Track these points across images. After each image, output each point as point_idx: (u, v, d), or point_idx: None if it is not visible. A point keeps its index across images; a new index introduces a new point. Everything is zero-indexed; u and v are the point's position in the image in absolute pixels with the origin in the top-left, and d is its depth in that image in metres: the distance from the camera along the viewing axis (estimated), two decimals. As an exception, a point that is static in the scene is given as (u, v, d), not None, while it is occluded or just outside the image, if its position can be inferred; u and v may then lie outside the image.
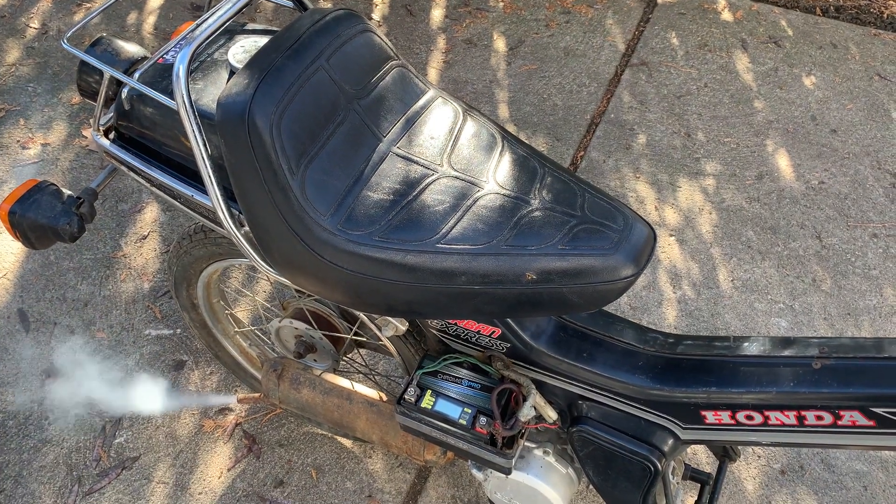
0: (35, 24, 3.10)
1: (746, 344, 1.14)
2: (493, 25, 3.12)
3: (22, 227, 1.25)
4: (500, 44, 3.03)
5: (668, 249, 2.30)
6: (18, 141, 2.61)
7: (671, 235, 2.34)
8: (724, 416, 1.13)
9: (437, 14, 3.18)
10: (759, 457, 1.85)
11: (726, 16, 3.15)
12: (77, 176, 2.51)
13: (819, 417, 1.05)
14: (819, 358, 1.06)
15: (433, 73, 2.90)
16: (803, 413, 1.06)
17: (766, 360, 1.11)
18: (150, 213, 2.40)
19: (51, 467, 1.85)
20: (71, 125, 2.68)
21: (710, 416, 1.14)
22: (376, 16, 3.17)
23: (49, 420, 1.93)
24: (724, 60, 2.94)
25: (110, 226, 2.36)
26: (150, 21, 3.12)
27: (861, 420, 1.02)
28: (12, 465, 1.85)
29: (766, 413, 1.09)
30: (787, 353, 1.10)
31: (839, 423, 1.04)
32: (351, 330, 1.53)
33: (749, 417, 1.11)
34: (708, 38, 3.04)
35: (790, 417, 1.08)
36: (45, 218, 1.23)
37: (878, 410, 1.00)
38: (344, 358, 1.68)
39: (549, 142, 2.63)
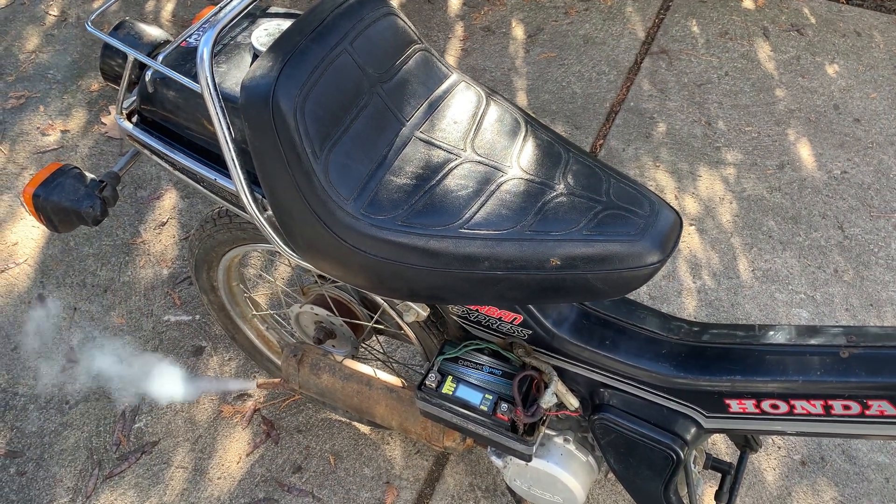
0: (54, 11, 3.11)
1: (772, 332, 1.13)
2: (512, 13, 3.10)
3: (45, 211, 1.25)
4: (518, 31, 3.01)
5: (688, 239, 2.28)
6: (38, 128, 2.63)
7: (691, 225, 2.32)
8: (749, 405, 1.12)
9: (455, 1, 3.16)
10: (779, 448, 1.84)
11: (748, 3, 3.11)
12: (96, 162, 2.52)
13: (846, 407, 1.04)
14: (847, 347, 1.05)
15: (451, 61, 2.89)
16: (830, 402, 1.05)
17: (792, 348, 1.09)
18: (169, 200, 2.41)
19: (71, 451, 1.86)
20: (90, 112, 2.69)
21: (734, 405, 1.13)
22: (394, 2, 3.15)
23: (69, 404, 1.95)
24: (745, 49, 2.90)
25: (129, 212, 2.37)
26: (168, 8, 3.12)
27: (889, 409, 1.01)
28: (34, 448, 1.86)
29: (792, 402, 1.08)
30: (813, 341, 1.08)
31: (867, 412, 1.03)
32: (372, 318, 1.53)
33: (774, 406, 1.09)
34: (729, 26, 3.00)
35: (816, 407, 1.06)
36: (68, 201, 1.23)
37: (908, 400, 0.99)
38: (362, 345, 1.68)
39: (568, 130, 2.61)
